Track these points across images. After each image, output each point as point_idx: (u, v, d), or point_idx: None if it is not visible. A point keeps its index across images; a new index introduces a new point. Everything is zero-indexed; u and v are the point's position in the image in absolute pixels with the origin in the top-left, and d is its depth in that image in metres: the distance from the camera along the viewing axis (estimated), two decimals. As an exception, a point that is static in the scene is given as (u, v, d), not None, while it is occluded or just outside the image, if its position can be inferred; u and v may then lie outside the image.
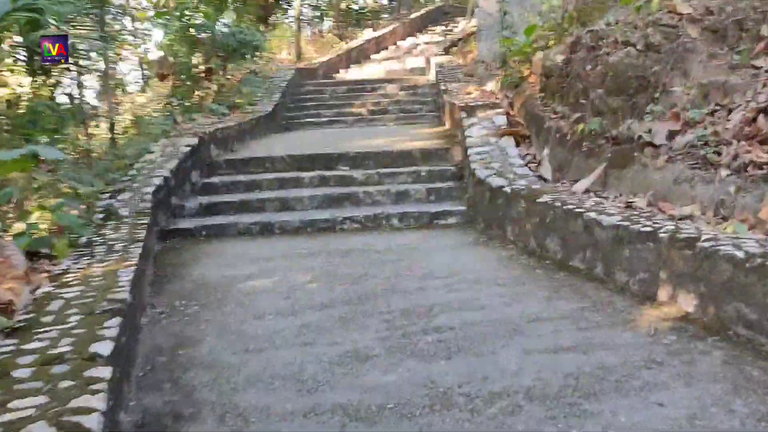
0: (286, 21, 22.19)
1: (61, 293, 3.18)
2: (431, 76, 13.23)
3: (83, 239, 4.47)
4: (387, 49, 17.83)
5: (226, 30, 11.80)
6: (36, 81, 6.16)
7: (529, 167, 5.87)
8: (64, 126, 5.80)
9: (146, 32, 23.43)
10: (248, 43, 11.45)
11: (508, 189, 5.27)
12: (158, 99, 13.30)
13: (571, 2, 6.68)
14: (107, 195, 5.92)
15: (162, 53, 11.88)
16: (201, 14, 12.16)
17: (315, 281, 4.39)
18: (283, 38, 18.66)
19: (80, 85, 10.75)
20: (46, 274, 3.54)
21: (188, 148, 6.95)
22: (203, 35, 11.46)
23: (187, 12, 11.22)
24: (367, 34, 18.41)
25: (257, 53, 12.10)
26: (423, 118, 11.12)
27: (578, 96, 5.84)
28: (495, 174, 5.66)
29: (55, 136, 5.77)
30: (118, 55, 22.13)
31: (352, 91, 12.76)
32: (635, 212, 4.27)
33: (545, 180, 5.52)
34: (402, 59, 16.21)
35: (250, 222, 6.00)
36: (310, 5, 23.75)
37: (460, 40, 15.31)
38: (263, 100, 11.34)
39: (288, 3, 21.63)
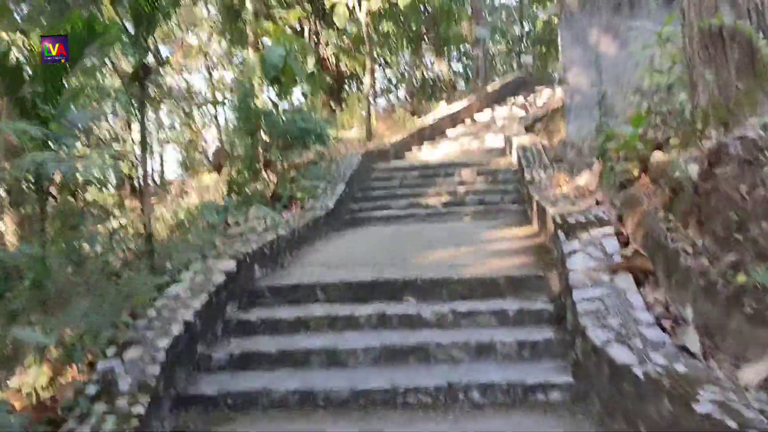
0: (358, 93, 21.46)
1: None
2: (512, 158, 11.75)
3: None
4: (463, 123, 16.56)
5: (287, 116, 10.81)
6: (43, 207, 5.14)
7: (661, 324, 4.20)
8: (44, 274, 4.64)
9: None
10: (311, 131, 10.38)
11: (639, 371, 3.63)
12: (222, 181, 12.42)
13: (704, 94, 5.10)
14: (113, 351, 4.69)
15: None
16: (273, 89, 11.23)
17: None
18: (354, 114, 17.74)
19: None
20: None
21: (223, 278, 5.69)
22: (263, 122, 10.50)
23: (248, 99, 10.29)
24: (442, 108, 17.22)
25: (322, 140, 11.01)
26: (505, 212, 9.59)
27: (729, 227, 4.18)
28: (615, 339, 4.03)
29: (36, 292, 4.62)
30: (193, 136, 21.93)
31: (425, 176, 11.42)
32: None
33: (691, 354, 3.84)
34: (479, 136, 14.86)
35: (288, 390, 4.57)
36: (383, 76, 22.95)
37: (544, 116, 13.82)
38: (326, 192, 10.16)
39: (360, 76, 20.91)
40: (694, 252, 4.44)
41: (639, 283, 4.76)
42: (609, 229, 5.48)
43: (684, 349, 3.89)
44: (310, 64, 12.26)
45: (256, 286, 6.19)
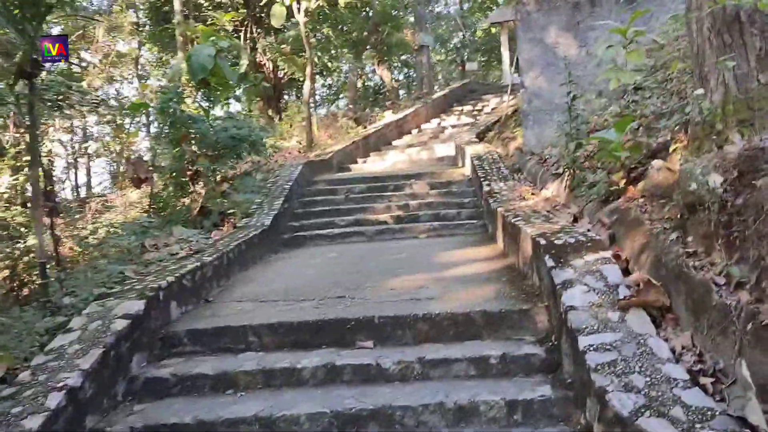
0: (298, 102, 20.28)
1: None
2: (466, 169, 10.81)
3: None
4: (410, 133, 15.60)
5: (218, 123, 9.52)
6: None
7: (701, 384, 3.19)
8: None
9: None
10: (245, 139, 9.12)
11: (694, 461, 2.60)
12: (147, 196, 10.93)
13: (718, 90, 4.19)
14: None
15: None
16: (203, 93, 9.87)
17: None
18: (294, 122, 16.53)
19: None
20: None
21: (127, 323, 4.39)
22: (191, 129, 9.18)
23: (172, 103, 8.93)
24: (387, 116, 16.21)
25: (258, 149, 9.74)
26: (463, 228, 8.57)
27: (777, 253, 3.23)
28: (646, 406, 2.99)
29: None
30: (122, 147, 20.16)
31: (373, 190, 10.31)
32: None
33: (753, 429, 2.83)
34: (428, 145, 13.90)
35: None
36: (324, 84, 21.79)
37: (496, 122, 12.97)
38: (262, 207, 8.91)
39: (299, 84, 19.63)
40: (728, 284, 3.47)
41: (655, 323, 3.76)
42: (606, 253, 4.49)
43: (742, 421, 2.89)
44: (244, 65, 10.97)
45: (173, 331, 4.89)
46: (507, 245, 6.65)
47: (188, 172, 9.20)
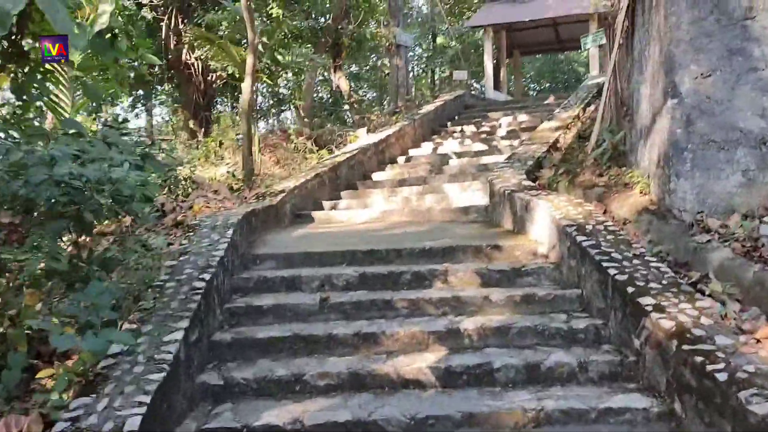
0: (233, 114, 14.84)
1: None
2: (538, 242, 5.74)
3: None
4: (396, 162, 10.46)
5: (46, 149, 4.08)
6: None
7: None
8: None
9: None
10: (98, 188, 3.71)
11: None
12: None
13: None
14: None
15: None
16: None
17: None
18: (226, 139, 11.13)
19: None
20: None
21: None
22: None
23: None
24: (362, 137, 10.99)
25: (132, 207, 4.22)
26: (613, 419, 3.42)
27: None
28: None
29: None
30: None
31: (371, 282, 5.07)
32: None
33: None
34: (431, 185, 8.77)
35: None
36: (269, 91, 16.24)
37: (546, 153, 7.93)
38: (119, 368, 3.53)
39: (236, 90, 14.08)
40: None
41: None
42: None
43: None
44: (106, 15, 5.33)
45: None
46: None
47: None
